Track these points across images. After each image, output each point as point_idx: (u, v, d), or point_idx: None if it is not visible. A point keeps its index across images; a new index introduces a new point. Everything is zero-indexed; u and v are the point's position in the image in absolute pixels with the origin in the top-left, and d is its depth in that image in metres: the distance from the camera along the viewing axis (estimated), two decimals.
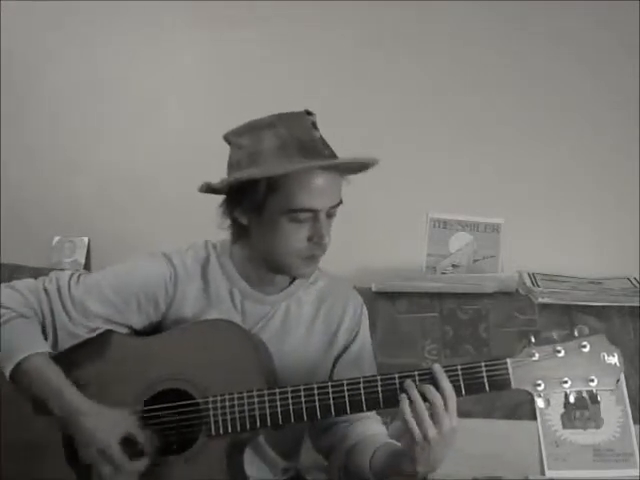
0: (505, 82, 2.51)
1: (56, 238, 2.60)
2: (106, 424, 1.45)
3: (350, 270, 2.36)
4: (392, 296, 2.38)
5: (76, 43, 2.60)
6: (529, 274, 2.45)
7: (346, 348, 1.66)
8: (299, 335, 1.62)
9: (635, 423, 2.19)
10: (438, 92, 2.52)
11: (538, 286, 2.39)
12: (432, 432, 1.35)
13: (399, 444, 1.49)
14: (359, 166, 1.53)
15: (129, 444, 1.45)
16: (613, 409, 2.19)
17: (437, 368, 1.40)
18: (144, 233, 2.53)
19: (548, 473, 2.16)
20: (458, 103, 2.51)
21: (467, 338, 2.33)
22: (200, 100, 2.59)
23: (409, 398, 1.37)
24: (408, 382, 1.39)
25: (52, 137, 2.63)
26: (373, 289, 2.34)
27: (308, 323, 1.64)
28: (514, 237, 2.51)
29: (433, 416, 1.36)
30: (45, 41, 2.61)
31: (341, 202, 1.52)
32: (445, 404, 1.36)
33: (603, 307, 2.33)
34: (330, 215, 1.51)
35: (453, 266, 2.53)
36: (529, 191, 2.51)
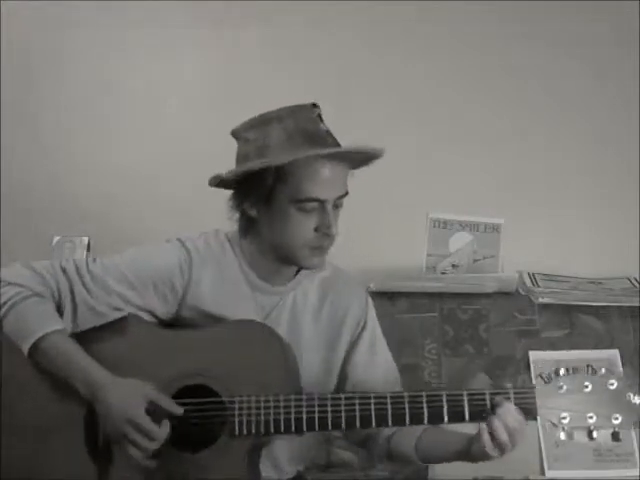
0: (505, 83, 2.51)
1: (56, 238, 2.60)
2: (130, 393, 1.46)
3: (350, 270, 2.35)
4: (392, 296, 2.38)
5: (77, 43, 2.60)
6: (529, 274, 2.45)
7: (355, 341, 1.67)
8: (307, 324, 1.64)
9: None
10: (438, 92, 2.52)
11: (538, 286, 2.39)
12: (508, 449, 1.43)
13: (445, 429, 1.55)
14: (365, 157, 1.55)
15: (152, 413, 1.46)
16: None
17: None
18: (144, 233, 2.51)
19: (548, 473, 2.16)
20: (458, 103, 2.51)
21: (467, 338, 2.34)
22: (201, 100, 2.58)
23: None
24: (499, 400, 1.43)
25: (53, 137, 2.63)
26: (373, 289, 2.34)
27: (314, 312, 1.65)
28: (514, 237, 2.51)
29: (511, 436, 1.42)
30: (46, 41, 2.60)
31: (347, 193, 1.54)
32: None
33: (603, 307, 2.33)
34: (337, 206, 1.53)
35: (453, 266, 2.53)
36: (529, 191, 2.51)
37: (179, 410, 1.47)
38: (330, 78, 2.52)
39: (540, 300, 2.34)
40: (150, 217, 2.58)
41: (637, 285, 2.41)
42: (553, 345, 2.29)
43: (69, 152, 2.63)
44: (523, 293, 2.40)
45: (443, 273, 2.52)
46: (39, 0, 2.57)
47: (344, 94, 2.50)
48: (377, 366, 1.66)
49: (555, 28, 2.47)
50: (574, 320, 2.33)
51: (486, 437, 1.40)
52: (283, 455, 1.64)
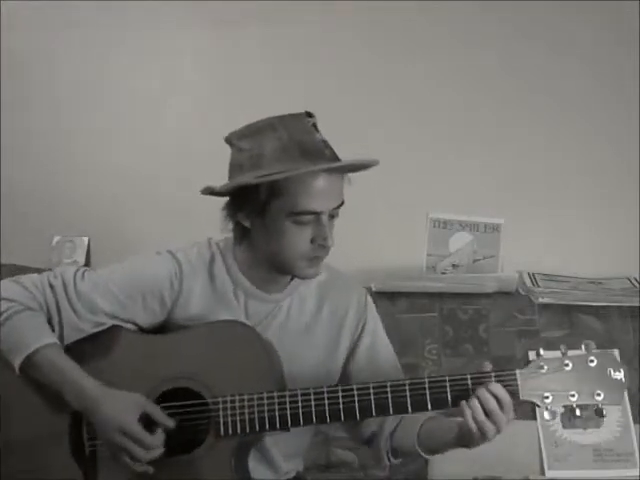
0: (505, 83, 2.51)
1: (56, 238, 2.60)
2: (123, 405, 1.46)
3: (350, 270, 2.35)
4: (392, 296, 2.38)
5: (77, 43, 2.60)
6: (529, 274, 2.45)
7: (356, 344, 1.66)
8: (303, 330, 1.63)
9: (635, 423, 2.19)
10: (438, 92, 2.52)
11: (538, 286, 2.39)
12: (491, 430, 1.40)
13: (443, 417, 1.56)
14: (360, 166, 1.54)
15: (146, 425, 1.46)
16: (613, 409, 2.19)
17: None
18: (144, 233, 2.53)
19: (548, 473, 2.16)
20: (458, 103, 2.51)
21: (467, 338, 2.34)
22: (200, 100, 2.59)
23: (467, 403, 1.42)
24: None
25: (53, 137, 2.63)
26: (373, 289, 2.34)
27: (311, 319, 1.64)
28: (514, 237, 2.51)
29: (490, 416, 1.40)
30: (46, 41, 2.60)
31: (343, 203, 1.53)
32: (500, 405, 1.40)
33: (603, 307, 2.33)
34: (333, 216, 1.52)
35: (453, 266, 2.53)
36: (529, 191, 2.51)
37: (171, 422, 1.48)
38: (330, 78, 2.52)
39: (540, 300, 2.34)
40: (150, 217, 2.58)
41: (637, 285, 2.41)
42: (553, 345, 2.28)
43: (69, 152, 2.63)
44: (523, 293, 2.40)
45: (443, 273, 2.52)
46: (39, 0, 2.57)
47: (344, 94, 2.50)
48: (379, 366, 1.66)
49: (555, 28, 2.47)
50: (574, 320, 2.33)
51: (468, 413, 1.40)
52: (278, 454, 1.64)
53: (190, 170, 2.48)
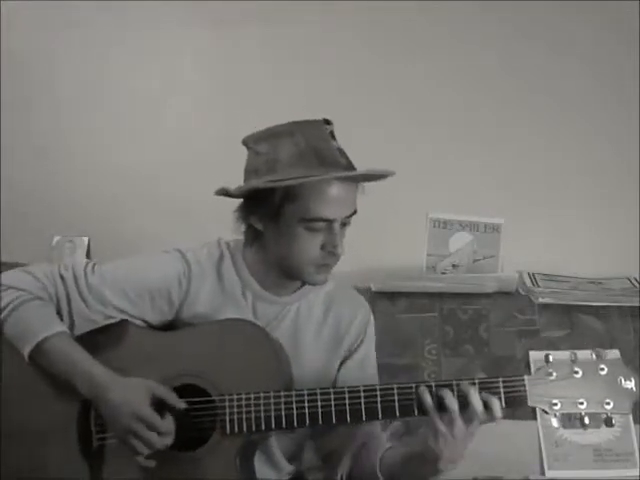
0: (505, 83, 2.51)
1: (56, 238, 2.60)
2: (133, 390, 1.47)
3: (350, 270, 2.35)
4: (392, 296, 2.38)
5: (77, 43, 2.60)
6: (529, 274, 2.45)
7: (350, 353, 1.68)
8: (309, 336, 1.65)
9: (635, 423, 2.19)
10: (438, 92, 2.52)
11: (538, 286, 2.39)
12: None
13: (407, 448, 1.55)
14: (375, 176, 1.55)
15: (156, 409, 1.47)
16: None
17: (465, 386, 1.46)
18: (144, 233, 2.53)
19: (548, 473, 2.16)
20: (458, 103, 2.51)
21: (467, 338, 2.34)
22: (200, 100, 2.58)
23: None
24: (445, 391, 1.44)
25: (53, 137, 2.63)
26: (373, 289, 2.34)
27: (317, 325, 1.66)
28: (514, 237, 2.51)
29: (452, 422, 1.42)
30: (46, 41, 2.60)
31: (356, 211, 1.54)
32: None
33: (603, 307, 2.33)
34: (345, 224, 1.54)
35: (453, 266, 2.53)
36: (529, 191, 2.51)
37: (181, 404, 1.48)
38: (330, 78, 2.51)
39: (540, 300, 2.33)
40: (150, 217, 2.58)
41: (637, 285, 2.41)
42: (553, 345, 2.29)
43: (69, 152, 2.63)
44: (523, 293, 2.40)
45: (443, 273, 2.52)
46: (39, 0, 2.57)
47: (344, 94, 2.50)
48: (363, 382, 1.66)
49: (555, 28, 2.46)
50: (574, 320, 2.33)
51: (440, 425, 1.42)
52: (281, 453, 1.65)
53: (190, 170, 2.48)
